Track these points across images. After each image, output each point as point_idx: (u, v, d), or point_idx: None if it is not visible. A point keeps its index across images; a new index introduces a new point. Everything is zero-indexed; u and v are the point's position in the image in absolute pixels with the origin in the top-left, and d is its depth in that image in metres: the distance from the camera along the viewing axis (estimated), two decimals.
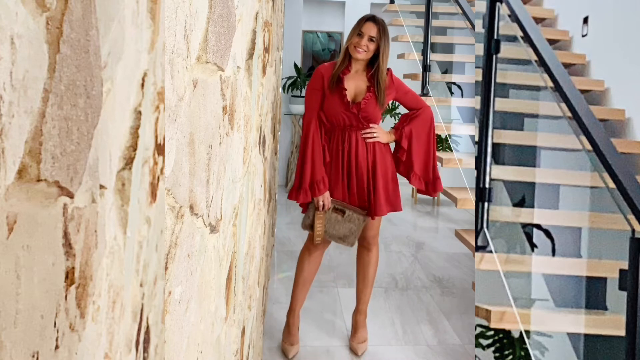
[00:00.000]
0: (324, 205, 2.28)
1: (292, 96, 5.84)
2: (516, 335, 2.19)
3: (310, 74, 5.96)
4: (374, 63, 2.27)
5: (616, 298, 1.91)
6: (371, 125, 2.29)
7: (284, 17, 4.47)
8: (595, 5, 3.42)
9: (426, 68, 3.73)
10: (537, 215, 2.43)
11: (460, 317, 2.90)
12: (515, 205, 2.51)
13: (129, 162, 0.47)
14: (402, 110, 5.48)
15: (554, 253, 2.32)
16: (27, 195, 0.30)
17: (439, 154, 2.94)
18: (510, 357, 2.27)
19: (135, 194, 0.48)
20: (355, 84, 2.29)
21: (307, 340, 2.56)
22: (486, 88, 2.23)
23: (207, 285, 0.82)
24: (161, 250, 0.56)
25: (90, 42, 0.37)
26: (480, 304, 2.02)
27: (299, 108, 5.63)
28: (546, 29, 3.81)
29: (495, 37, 2.24)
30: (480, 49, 2.33)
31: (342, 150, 2.29)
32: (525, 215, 2.46)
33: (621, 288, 1.54)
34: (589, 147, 1.81)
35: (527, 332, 2.04)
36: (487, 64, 2.23)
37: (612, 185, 1.69)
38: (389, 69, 2.30)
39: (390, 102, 2.52)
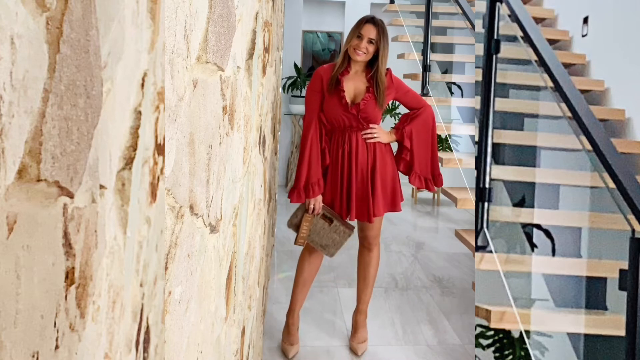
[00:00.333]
0: (314, 208, 2.29)
1: (292, 96, 5.84)
2: (516, 335, 2.19)
3: (310, 74, 5.97)
4: (373, 64, 2.27)
5: (616, 298, 1.91)
6: (371, 125, 2.29)
7: (284, 17, 4.47)
8: (595, 5, 3.42)
9: (426, 68, 3.73)
10: (537, 215, 2.43)
11: (460, 317, 2.90)
12: (515, 205, 2.51)
13: (129, 162, 0.47)
14: (402, 110, 5.48)
15: (554, 253, 2.32)
16: (27, 195, 0.30)
17: (439, 154, 2.94)
18: (510, 357, 2.27)
19: (135, 194, 0.48)
20: (354, 85, 2.29)
21: (307, 340, 2.56)
22: (486, 88, 2.23)
23: (207, 285, 0.82)
24: (161, 250, 0.56)
25: (90, 42, 0.37)
26: (480, 304, 2.02)
27: (299, 108, 5.63)
28: (546, 29, 3.81)
29: (495, 37, 2.24)
30: (480, 49, 2.33)
31: (342, 151, 2.29)
32: (525, 215, 2.46)
33: (621, 288, 1.54)
34: (589, 147, 1.81)
35: (527, 332, 2.04)
36: (487, 64, 2.23)
37: (612, 185, 1.69)
38: (388, 69, 2.30)
39: (390, 102, 2.52)
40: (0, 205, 0.27)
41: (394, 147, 2.43)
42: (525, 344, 2.07)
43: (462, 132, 4.16)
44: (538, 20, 3.86)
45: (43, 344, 0.32)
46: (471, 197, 2.60)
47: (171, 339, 0.61)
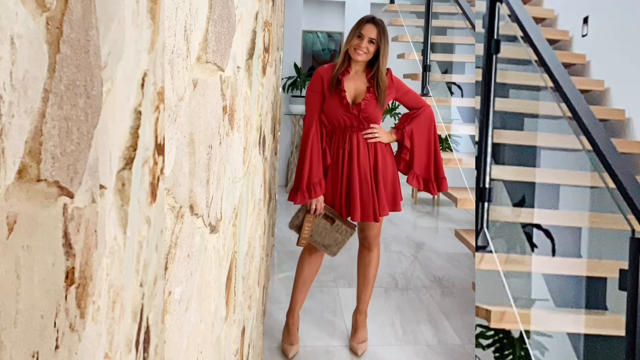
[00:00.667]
0: (316, 209, 2.28)
1: (292, 96, 5.84)
2: (516, 335, 2.19)
3: (311, 74, 5.97)
4: (373, 64, 2.27)
5: (616, 298, 1.91)
6: (372, 125, 2.29)
7: (284, 17, 4.47)
8: (595, 5, 3.42)
9: (426, 68, 3.73)
10: (537, 215, 2.43)
11: (460, 317, 2.90)
12: (515, 205, 2.51)
13: (129, 162, 0.47)
14: (402, 110, 5.48)
15: (554, 253, 2.32)
16: (27, 195, 0.30)
17: None
18: (510, 357, 2.27)
19: (135, 194, 0.48)
20: (355, 85, 2.29)
21: (307, 340, 2.56)
22: (486, 88, 2.23)
23: (207, 285, 0.82)
24: (161, 250, 0.56)
25: (90, 42, 0.37)
26: (480, 304, 2.02)
27: (299, 108, 5.63)
28: (546, 29, 3.81)
29: (495, 37, 2.24)
30: (480, 49, 2.33)
31: (343, 151, 2.29)
32: (525, 215, 2.46)
33: (621, 288, 1.54)
34: (589, 147, 1.81)
35: (527, 332, 2.04)
36: (487, 64, 2.23)
37: (612, 185, 1.69)
38: (388, 69, 2.30)
39: (390, 102, 2.52)
40: (0, 205, 0.27)
41: (394, 147, 2.43)
42: (525, 344, 2.07)
43: (462, 132, 4.16)
44: (538, 20, 3.86)
45: (43, 344, 0.32)
46: (471, 197, 2.60)
47: (171, 339, 0.61)
